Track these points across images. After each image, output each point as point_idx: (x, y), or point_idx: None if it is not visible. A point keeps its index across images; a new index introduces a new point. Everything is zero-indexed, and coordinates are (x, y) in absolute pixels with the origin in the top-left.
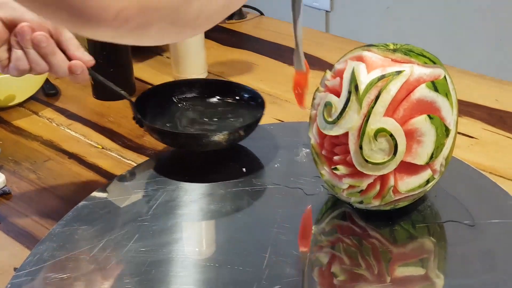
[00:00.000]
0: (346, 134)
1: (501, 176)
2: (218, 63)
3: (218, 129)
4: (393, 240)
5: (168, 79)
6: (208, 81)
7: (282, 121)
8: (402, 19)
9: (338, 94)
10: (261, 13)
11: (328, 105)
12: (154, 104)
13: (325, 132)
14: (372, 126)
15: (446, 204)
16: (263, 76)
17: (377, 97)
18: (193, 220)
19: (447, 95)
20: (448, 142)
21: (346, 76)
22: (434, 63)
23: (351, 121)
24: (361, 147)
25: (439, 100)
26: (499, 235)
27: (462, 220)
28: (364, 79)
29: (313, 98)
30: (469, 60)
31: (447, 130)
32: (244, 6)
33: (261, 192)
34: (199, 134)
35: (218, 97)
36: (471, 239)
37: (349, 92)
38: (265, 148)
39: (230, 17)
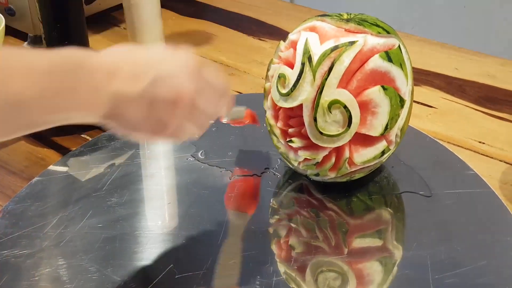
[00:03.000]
0: (300, 106)
1: (458, 145)
2: (175, 34)
3: None
4: (350, 211)
5: None
6: None
7: (240, 92)
8: None
9: (291, 66)
10: None
11: (281, 77)
12: None
13: (279, 104)
14: (326, 98)
15: (403, 175)
16: (222, 47)
17: (330, 69)
18: (149, 195)
19: (401, 65)
20: (403, 112)
21: (299, 47)
22: (388, 32)
23: (305, 93)
24: (315, 119)
25: (393, 70)
26: (455, 205)
27: (419, 191)
28: (317, 50)
29: (267, 70)
30: (429, 28)
31: (401, 101)
32: None
33: (217, 165)
34: None
35: None
36: (427, 209)
37: (302, 64)
38: None
39: None
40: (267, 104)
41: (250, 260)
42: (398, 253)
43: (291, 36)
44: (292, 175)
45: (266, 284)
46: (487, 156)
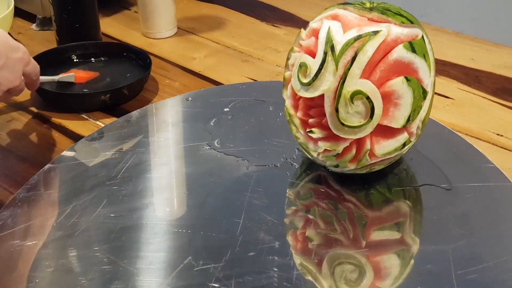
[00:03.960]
0: (321, 96)
1: (476, 138)
2: (188, 19)
3: (103, 89)
4: (368, 204)
5: (137, 35)
6: (99, 43)
7: (255, 80)
8: None
9: (313, 55)
10: None
11: (303, 66)
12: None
13: (300, 94)
14: (349, 88)
15: (422, 167)
16: (235, 33)
17: (353, 58)
18: (164, 184)
19: (424, 56)
20: (425, 104)
21: (322, 36)
22: (412, 22)
23: (327, 83)
24: (337, 110)
25: (417, 61)
26: (476, 199)
27: (438, 184)
28: (340, 39)
29: (287, 58)
30: (445, 17)
31: (424, 92)
32: None
33: (234, 154)
34: (83, 94)
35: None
36: (447, 202)
37: (325, 53)
38: (237, 107)
39: None
40: (287, 93)
41: (269, 253)
42: (416, 246)
43: (313, 24)
44: (310, 165)
45: (286, 278)
46: (505, 148)
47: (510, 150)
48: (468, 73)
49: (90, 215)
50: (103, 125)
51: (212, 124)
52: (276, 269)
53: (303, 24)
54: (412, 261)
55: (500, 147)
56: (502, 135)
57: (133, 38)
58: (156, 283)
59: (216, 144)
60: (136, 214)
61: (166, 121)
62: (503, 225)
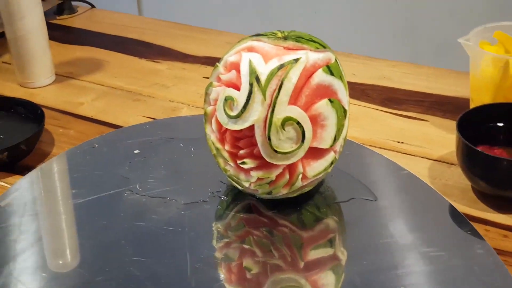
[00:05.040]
0: (250, 127)
1: (381, 148)
2: (64, 63)
3: None
4: (302, 225)
5: (13, 86)
6: None
7: (153, 118)
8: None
9: (236, 87)
10: (92, 6)
11: (229, 99)
12: None
13: (228, 127)
14: (278, 115)
15: (344, 183)
16: (117, 73)
17: (279, 87)
18: (99, 237)
19: (341, 77)
20: (346, 122)
21: (244, 68)
22: (324, 47)
23: (256, 113)
24: (269, 138)
25: (335, 83)
26: (398, 207)
27: (364, 196)
28: (263, 69)
29: (206, 94)
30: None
31: (345, 111)
32: None
33: (159, 196)
34: None
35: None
36: (372, 215)
37: (251, 84)
38: (147, 148)
39: (61, 12)
40: (211, 127)
41: None
42: (345, 259)
43: (230, 58)
44: (238, 196)
45: None
46: (409, 154)
47: (413, 155)
48: (353, 87)
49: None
50: (8, 185)
51: (127, 168)
52: None
53: (183, 57)
54: (343, 276)
55: (404, 153)
56: (402, 142)
57: (10, 89)
58: None
59: (138, 187)
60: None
61: (80, 171)
62: (429, 228)
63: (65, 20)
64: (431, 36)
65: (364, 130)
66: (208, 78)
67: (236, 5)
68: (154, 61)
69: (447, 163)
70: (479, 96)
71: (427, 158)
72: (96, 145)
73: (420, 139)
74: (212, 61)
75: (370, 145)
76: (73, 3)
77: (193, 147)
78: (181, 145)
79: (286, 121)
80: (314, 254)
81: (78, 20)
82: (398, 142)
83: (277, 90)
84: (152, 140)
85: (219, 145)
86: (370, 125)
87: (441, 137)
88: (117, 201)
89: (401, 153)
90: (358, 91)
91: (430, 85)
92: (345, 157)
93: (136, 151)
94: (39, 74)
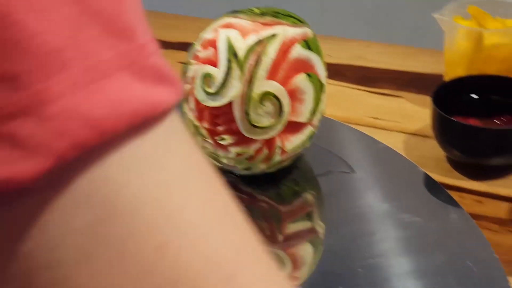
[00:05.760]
0: (228, 104)
1: (357, 124)
2: None
3: None
4: (280, 200)
5: None
6: None
7: None
8: None
9: (214, 64)
10: None
11: (207, 76)
12: None
13: (207, 104)
14: (257, 90)
15: (321, 157)
16: None
17: (257, 62)
18: None
19: (318, 52)
20: (323, 97)
21: (222, 45)
22: (302, 22)
23: (234, 89)
24: (247, 113)
25: (313, 57)
26: (374, 178)
27: (341, 169)
28: (241, 45)
29: (183, 72)
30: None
31: (322, 86)
32: None
33: None
34: None
35: None
36: (349, 187)
37: (229, 61)
38: None
39: None
40: (189, 106)
41: None
42: (323, 231)
43: (207, 35)
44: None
45: None
46: (385, 129)
47: (389, 130)
48: (329, 68)
49: None
50: None
51: None
52: None
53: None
54: (321, 247)
55: (380, 128)
56: (378, 118)
57: None
58: None
59: None
60: None
61: None
62: (405, 198)
63: None
64: (405, 15)
65: (340, 109)
66: (182, 63)
67: None
68: None
69: (423, 136)
70: (454, 70)
71: (402, 132)
72: None
73: (396, 114)
74: (185, 47)
75: (346, 122)
76: None
77: None
78: None
79: (265, 95)
80: (292, 228)
81: None
82: (374, 118)
83: (255, 65)
84: None
85: (197, 123)
86: (346, 103)
87: (416, 112)
88: None
89: (377, 128)
90: (334, 71)
91: (405, 63)
92: (322, 133)
93: None
94: None
